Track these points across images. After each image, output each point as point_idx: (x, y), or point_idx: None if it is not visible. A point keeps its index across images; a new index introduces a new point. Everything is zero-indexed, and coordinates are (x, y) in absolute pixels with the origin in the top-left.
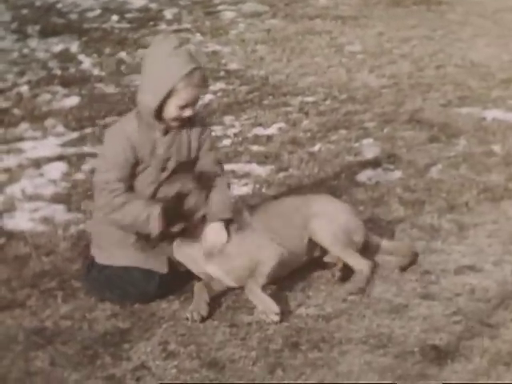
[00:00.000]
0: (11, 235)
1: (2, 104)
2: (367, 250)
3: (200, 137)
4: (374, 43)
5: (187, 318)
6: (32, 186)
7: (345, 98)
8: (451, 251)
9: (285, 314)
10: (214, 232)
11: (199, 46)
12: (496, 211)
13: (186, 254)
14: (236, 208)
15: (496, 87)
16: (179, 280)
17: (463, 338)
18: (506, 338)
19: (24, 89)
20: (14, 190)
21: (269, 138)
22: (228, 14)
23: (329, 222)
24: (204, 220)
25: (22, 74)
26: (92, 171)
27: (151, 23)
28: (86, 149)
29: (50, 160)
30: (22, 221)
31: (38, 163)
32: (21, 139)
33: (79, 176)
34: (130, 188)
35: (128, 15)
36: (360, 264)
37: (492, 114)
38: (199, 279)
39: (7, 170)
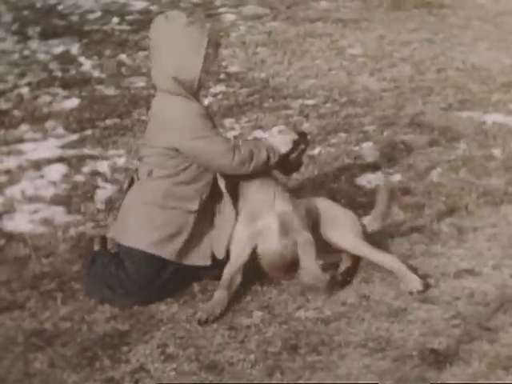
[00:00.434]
0: (11, 237)
1: (3, 105)
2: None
3: None
4: (374, 46)
5: (195, 314)
6: (32, 187)
7: (345, 101)
8: (451, 255)
9: (283, 317)
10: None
11: None
12: (496, 215)
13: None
14: None
15: (497, 91)
16: (179, 283)
17: (462, 341)
18: (505, 342)
19: (24, 90)
20: (13, 191)
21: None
22: (229, 17)
23: (346, 227)
24: None
25: (22, 75)
26: (93, 173)
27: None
28: (86, 151)
29: (50, 162)
30: (21, 222)
31: (38, 165)
32: (21, 141)
33: (79, 178)
34: None
35: (129, 17)
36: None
37: (492, 117)
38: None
39: (7, 172)
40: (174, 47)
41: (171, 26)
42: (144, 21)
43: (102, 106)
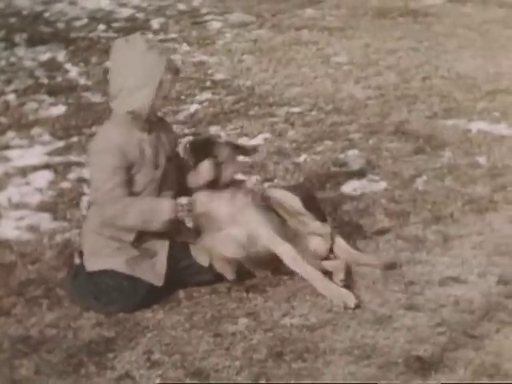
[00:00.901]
0: None
1: None
2: None
3: (168, 128)
4: (360, 54)
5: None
6: (18, 194)
7: (330, 108)
8: (436, 262)
9: (269, 324)
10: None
11: (186, 55)
12: (481, 223)
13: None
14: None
15: (482, 99)
16: (164, 290)
17: (447, 349)
18: (490, 350)
19: (11, 97)
20: (0, 198)
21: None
22: (215, 24)
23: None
24: None
25: (8, 82)
26: (79, 180)
27: (138, 33)
28: (73, 157)
29: (36, 168)
30: (7, 229)
31: (24, 171)
32: (7, 147)
33: (65, 185)
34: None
35: (115, 24)
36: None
37: (477, 125)
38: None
39: None
40: (130, 71)
41: (130, 50)
42: (130, 28)
43: (89, 113)
